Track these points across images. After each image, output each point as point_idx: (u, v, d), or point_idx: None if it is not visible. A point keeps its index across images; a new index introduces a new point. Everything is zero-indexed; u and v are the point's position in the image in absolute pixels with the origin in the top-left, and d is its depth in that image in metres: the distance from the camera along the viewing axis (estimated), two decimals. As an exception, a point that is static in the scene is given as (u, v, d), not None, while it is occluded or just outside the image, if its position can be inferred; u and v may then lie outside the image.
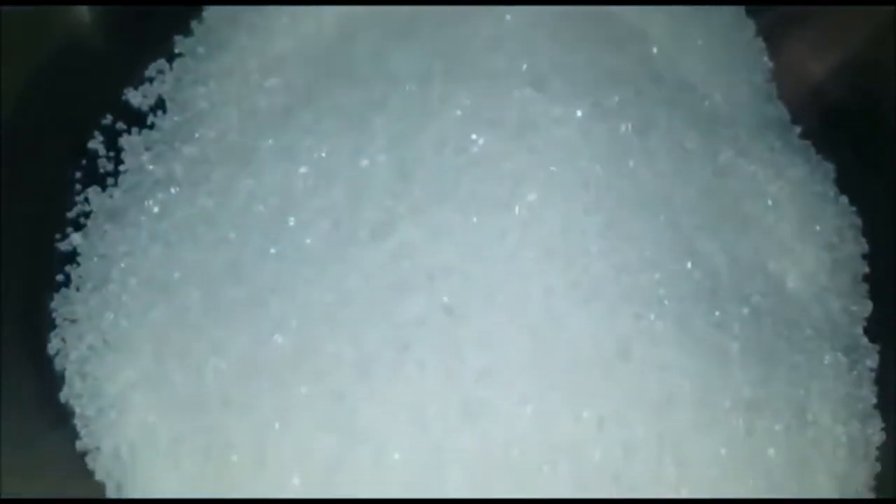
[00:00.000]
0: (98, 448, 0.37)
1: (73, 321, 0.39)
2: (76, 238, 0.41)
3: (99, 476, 0.36)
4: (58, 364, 0.38)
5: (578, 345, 0.33)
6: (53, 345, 0.39)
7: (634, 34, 0.44)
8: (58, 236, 0.41)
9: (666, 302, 0.35)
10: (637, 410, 0.33)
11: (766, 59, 0.47)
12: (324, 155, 0.40)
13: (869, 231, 0.44)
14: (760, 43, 0.48)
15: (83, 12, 0.44)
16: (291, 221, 0.38)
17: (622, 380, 0.33)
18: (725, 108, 0.44)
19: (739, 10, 0.47)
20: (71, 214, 0.42)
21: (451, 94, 0.40)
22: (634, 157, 0.38)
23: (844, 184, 0.45)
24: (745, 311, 0.36)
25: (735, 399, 0.34)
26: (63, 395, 0.38)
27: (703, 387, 0.34)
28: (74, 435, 0.37)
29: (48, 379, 0.38)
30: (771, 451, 0.34)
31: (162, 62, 0.46)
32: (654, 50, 0.43)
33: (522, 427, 0.32)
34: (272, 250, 0.38)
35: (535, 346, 0.33)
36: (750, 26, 0.48)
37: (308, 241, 0.37)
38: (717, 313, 0.36)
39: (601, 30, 0.43)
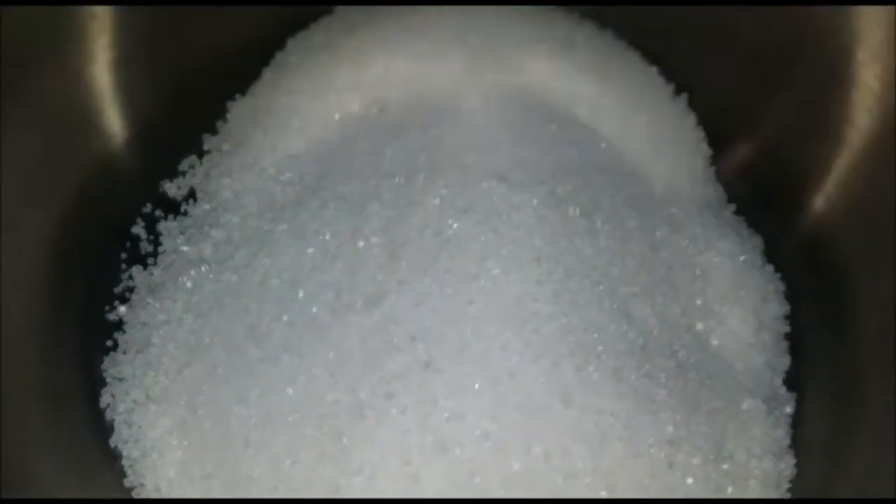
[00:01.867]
0: (142, 484, 0.43)
1: (121, 379, 0.45)
2: (122, 310, 0.47)
3: (144, 507, 0.43)
4: (108, 415, 0.44)
5: (530, 392, 0.39)
6: (104, 399, 0.44)
7: (587, 131, 0.51)
8: (107, 308, 0.47)
9: (603, 357, 0.41)
10: (577, 446, 0.39)
11: (705, 146, 0.53)
12: (328, 237, 0.46)
13: (791, 294, 0.50)
14: (700, 131, 0.53)
15: (128, 122, 0.51)
16: (301, 293, 0.44)
17: (565, 421, 0.39)
18: (666, 191, 0.51)
19: (682, 102, 0.54)
20: (118, 289, 0.48)
21: (431, 186, 0.46)
22: (580, 236, 0.44)
23: (771, 253, 0.51)
24: (672, 364, 0.42)
25: (658, 437, 0.39)
26: (112, 441, 0.43)
27: (632, 427, 0.39)
28: (122, 474, 0.43)
29: (101, 428, 0.44)
30: (689, 481, 0.39)
31: (193, 158, 0.52)
32: (603, 145, 0.50)
33: (484, 459, 0.38)
34: (284, 317, 0.44)
35: (495, 393, 0.39)
36: (691, 117, 0.54)
37: (314, 309, 0.44)
38: (647, 366, 0.41)
39: (558, 127, 0.50)
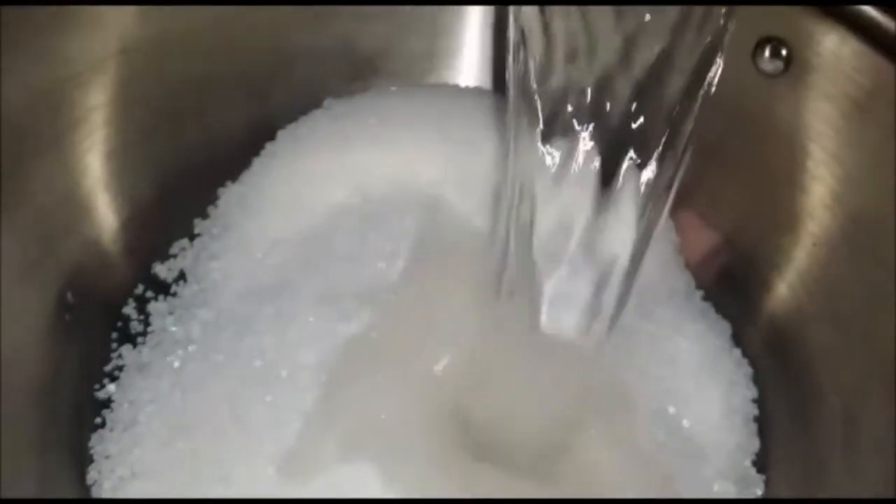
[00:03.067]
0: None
1: (107, 457, 0.46)
2: (111, 388, 0.48)
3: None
4: (94, 492, 0.45)
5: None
6: (91, 476, 0.45)
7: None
8: (97, 386, 0.48)
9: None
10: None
11: (673, 234, 0.56)
12: (312, 320, 0.49)
13: (759, 378, 0.52)
14: (670, 221, 0.56)
15: (122, 207, 0.53)
16: (283, 374, 0.46)
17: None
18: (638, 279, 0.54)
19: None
20: (108, 368, 0.49)
21: (409, 270, 0.49)
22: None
23: (739, 338, 0.53)
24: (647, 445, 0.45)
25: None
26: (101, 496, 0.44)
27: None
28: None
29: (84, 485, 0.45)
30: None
31: (185, 241, 0.54)
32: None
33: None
34: (267, 398, 0.46)
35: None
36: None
37: (296, 390, 0.46)
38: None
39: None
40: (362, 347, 0.48)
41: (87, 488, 0.45)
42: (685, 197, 0.55)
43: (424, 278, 0.51)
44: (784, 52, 0.52)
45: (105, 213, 0.53)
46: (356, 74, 0.59)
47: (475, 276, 0.50)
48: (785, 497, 0.48)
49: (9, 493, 0.41)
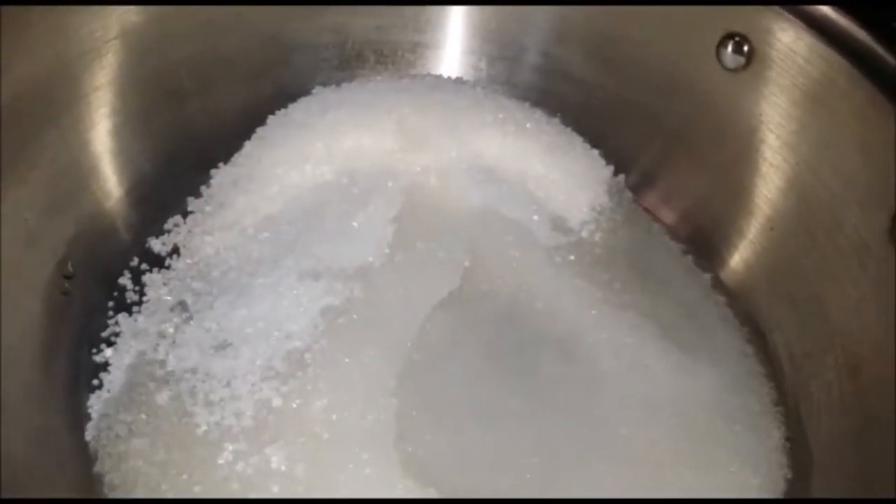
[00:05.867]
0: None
1: (105, 415, 0.48)
2: (108, 352, 0.51)
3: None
4: (92, 447, 0.47)
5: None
6: (90, 433, 0.48)
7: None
8: (94, 350, 0.51)
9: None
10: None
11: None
12: (300, 291, 0.51)
13: None
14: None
15: (120, 184, 0.56)
16: (275, 335, 0.49)
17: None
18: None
19: (620, 181, 0.60)
20: (105, 334, 0.51)
21: (392, 248, 0.53)
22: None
23: None
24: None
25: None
26: (96, 468, 0.46)
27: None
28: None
29: (86, 459, 0.47)
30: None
31: (178, 217, 0.56)
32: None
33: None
34: (258, 362, 0.48)
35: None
36: (627, 194, 0.60)
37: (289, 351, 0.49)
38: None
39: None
40: (346, 320, 0.51)
41: (86, 444, 0.48)
42: (649, 183, 0.61)
43: (405, 257, 0.53)
44: (746, 48, 0.56)
45: (104, 189, 0.55)
46: (345, 65, 0.63)
47: (453, 257, 0.54)
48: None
49: (9, 448, 0.43)
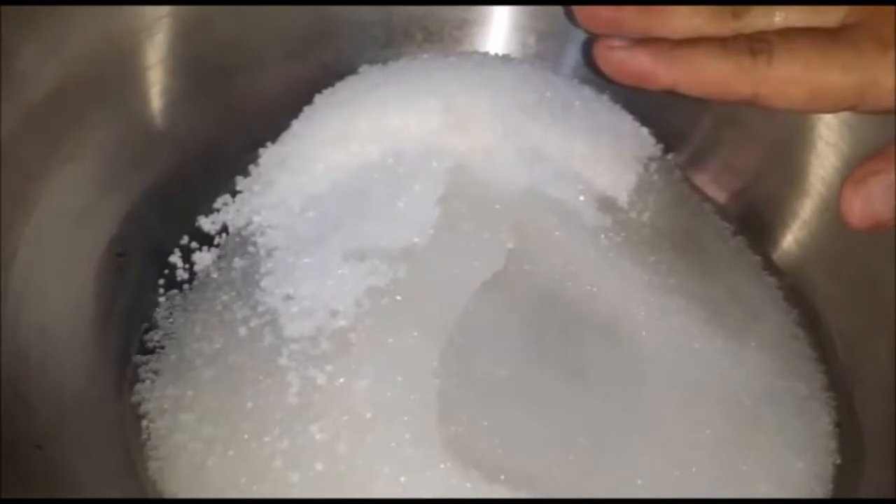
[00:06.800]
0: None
1: (153, 389, 0.50)
2: (158, 329, 0.52)
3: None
4: (142, 409, 0.49)
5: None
6: (136, 398, 0.50)
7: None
8: (145, 325, 0.52)
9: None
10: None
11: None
12: (346, 272, 0.51)
13: None
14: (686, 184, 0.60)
15: (170, 163, 0.57)
16: (321, 314, 0.50)
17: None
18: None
19: (671, 160, 0.60)
20: (155, 311, 0.53)
21: (437, 229, 0.53)
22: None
23: None
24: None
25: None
26: (143, 439, 0.48)
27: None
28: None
29: (136, 430, 0.49)
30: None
31: (227, 197, 0.57)
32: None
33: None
34: (303, 341, 0.49)
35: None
36: (677, 173, 0.60)
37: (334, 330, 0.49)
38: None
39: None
40: (390, 301, 0.51)
41: (135, 417, 0.49)
42: (701, 162, 0.60)
43: (450, 238, 0.53)
44: (801, 22, 0.54)
45: (155, 168, 0.57)
46: (391, 42, 0.63)
47: (497, 238, 0.53)
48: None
49: (63, 418, 0.45)
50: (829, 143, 0.54)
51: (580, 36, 0.63)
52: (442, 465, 0.45)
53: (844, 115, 0.54)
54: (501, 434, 0.47)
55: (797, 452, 0.47)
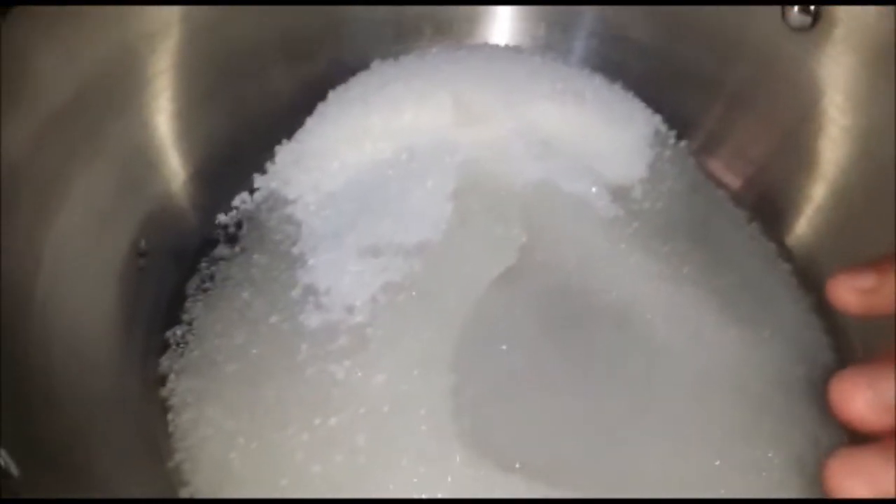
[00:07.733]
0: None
1: (177, 384, 0.50)
2: (180, 325, 0.53)
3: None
4: (164, 394, 0.50)
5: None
6: (164, 392, 0.50)
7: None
8: (167, 323, 0.53)
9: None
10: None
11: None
12: (362, 269, 0.52)
13: None
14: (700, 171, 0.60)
15: (188, 163, 0.58)
16: (338, 310, 0.51)
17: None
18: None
19: (684, 147, 0.60)
20: (177, 308, 0.54)
21: (451, 225, 0.53)
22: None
23: None
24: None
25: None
26: (170, 423, 0.49)
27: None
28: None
29: (162, 425, 0.49)
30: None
31: (245, 195, 0.58)
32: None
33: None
34: (322, 336, 0.50)
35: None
36: (691, 160, 0.60)
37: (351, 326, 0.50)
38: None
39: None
40: (406, 296, 0.52)
41: (161, 410, 0.50)
42: (713, 147, 0.60)
43: (463, 233, 0.54)
44: (812, 7, 0.54)
45: (173, 169, 0.57)
46: (402, 38, 0.63)
47: (510, 233, 0.54)
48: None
49: (90, 412, 0.46)
50: (842, 128, 0.54)
51: (590, 24, 0.63)
52: (458, 456, 0.46)
53: (856, 97, 0.53)
54: (516, 425, 0.48)
55: (812, 440, 0.47)
